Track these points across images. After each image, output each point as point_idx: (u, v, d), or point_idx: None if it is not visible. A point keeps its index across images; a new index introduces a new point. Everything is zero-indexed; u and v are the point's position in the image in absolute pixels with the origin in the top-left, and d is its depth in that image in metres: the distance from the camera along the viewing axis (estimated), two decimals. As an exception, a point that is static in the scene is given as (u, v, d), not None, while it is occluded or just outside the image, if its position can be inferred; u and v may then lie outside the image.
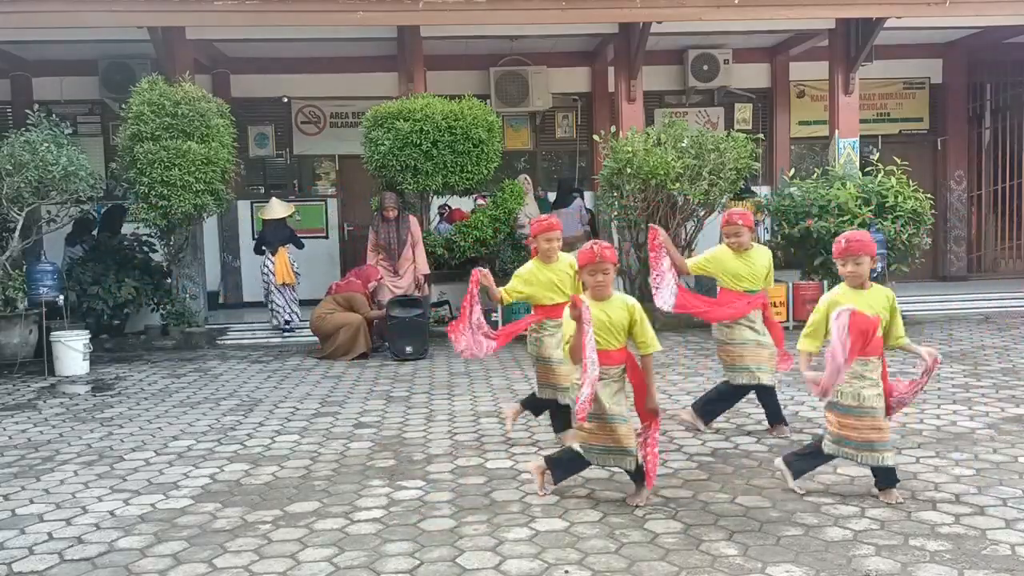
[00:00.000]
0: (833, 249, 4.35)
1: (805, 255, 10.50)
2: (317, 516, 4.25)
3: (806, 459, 4.42)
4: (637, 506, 4.21)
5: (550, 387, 5.28)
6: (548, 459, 4.50)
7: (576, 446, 4.34)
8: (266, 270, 10.03)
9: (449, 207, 11.65)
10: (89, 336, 8.73)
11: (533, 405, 5.57)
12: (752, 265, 5.41)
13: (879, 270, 9.69)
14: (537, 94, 12.55)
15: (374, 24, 10.17)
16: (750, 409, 6.16)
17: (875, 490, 4.28)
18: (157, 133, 9.13)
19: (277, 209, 10.41)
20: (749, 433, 5.56)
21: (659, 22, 10.33)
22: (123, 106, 9.52)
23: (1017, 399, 6.30)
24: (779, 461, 4.50)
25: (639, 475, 4.26)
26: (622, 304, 4.22)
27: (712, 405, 5.62)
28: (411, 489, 4.62)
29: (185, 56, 10.18)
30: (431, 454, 5.30)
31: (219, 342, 10.11)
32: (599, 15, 10.41)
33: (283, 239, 10.18)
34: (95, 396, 7.43)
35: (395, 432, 5.87)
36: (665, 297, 5.40)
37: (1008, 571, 3.39)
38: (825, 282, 10.13)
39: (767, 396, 5.49)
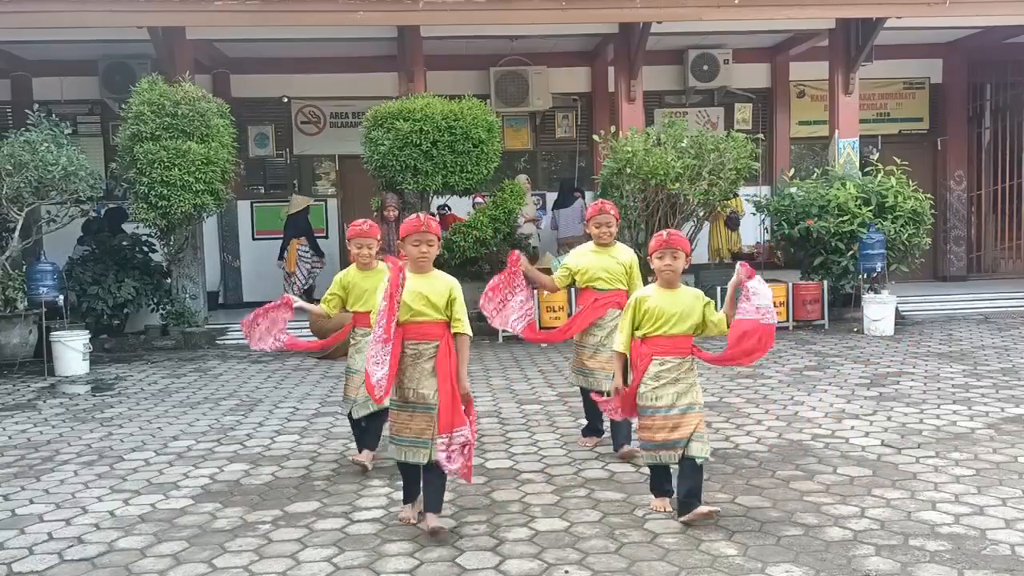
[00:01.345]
0: (654, 243, 4.11)
1: (805, 255, 10.52)
2: (317, 516, 4.25)
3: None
4: (430, 531, 3.85)
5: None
6: None
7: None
8: (281, 263, 10.50)
9: (448, 207, 11.66)
10: (89, 336, 8.74)
11: None
12: (610, 261, 5.22)
13: (879, 269, 9.70)
14: (537, 94, 12.55)
15: (374, 24, 10.17)
16: (750, 409, 6.17)
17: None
18: (157, 133, 9.13)
19: (297, 201, 11.19)
20: (748, 433, 5.56)
21: (659, 22, 10.33)
22: (123, 106, 9.52)
23: (1017, 399, 6.30)
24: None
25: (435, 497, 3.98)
26: (445, 281, 4.00)
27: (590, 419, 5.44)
28: (411, 489, 4.61)
29: (185, 56, 10.18)
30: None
31: (219, 342, 10.11)
32: (599, 15, 10.41)
33: (298, 231, 10.66)
34: (95, 396, 7.43)
35: (395, 432, 5.87)
36: (510, 321, 5.02)
37: (1008, 571, 3.39)
38: (825, 282, 10.14)
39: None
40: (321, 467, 5.09)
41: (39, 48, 11.31)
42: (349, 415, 5.07)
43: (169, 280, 10.18)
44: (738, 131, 10.57)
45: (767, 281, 4.24)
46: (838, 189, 10.09)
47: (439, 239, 4.05)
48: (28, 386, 7.95)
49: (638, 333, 4.12)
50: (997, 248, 13.95)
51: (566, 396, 6.77)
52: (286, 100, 12.77)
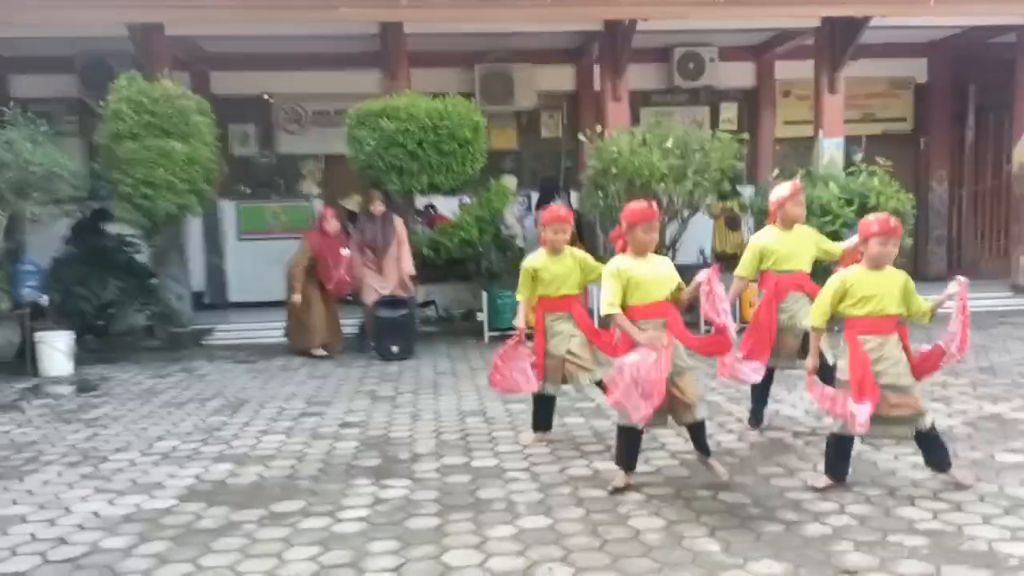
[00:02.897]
0: (875, 229, 4.28)
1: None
2: (302, 515, 4.26)
3: (836, 456, 4.42)
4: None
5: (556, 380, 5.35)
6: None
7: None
8: None
9: (434, 208, 11.66)
10: (74, 337, 8.69)
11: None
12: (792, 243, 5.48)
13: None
14: (522, 92, 12.52)
15: (356, 20, 10.11)
16: (732, 407, 6.21)
17: (932, 470, 4.40)
18: (137, 131, 9.03)
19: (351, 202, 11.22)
20: (731, 431, 5.61)
21: (644, 20, 10.33)
22: (102, 103, 9.42)
23: (995, 397, 6.38)
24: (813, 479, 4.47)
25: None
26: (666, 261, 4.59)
27: None
28: (396, 488, 4.64)
29: (164, 52, 10.05)
30: (417, 453, 5.32)
31: (205, 342, 10.08)
32: (584, 13, 10.42)
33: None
34: (79, 396, 7.40)
35: (381, 431, 5.89)
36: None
37: (986, 567, 3.44)
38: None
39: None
40: (307, 467, 5.10)
41: (15, 44, 11.14)
42: (540, 395, 5.36)
43: (154, 280, 10.13)
44: (723, 131, 10.61)
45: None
46: (821, 189, 10.15)
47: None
48: (12, 387, 7.91)
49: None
50: (977, 248, 14.08)
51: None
52: (267, 98, 12.70)
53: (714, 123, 13.20)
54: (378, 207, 9.18)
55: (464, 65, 12.52)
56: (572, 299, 5.29)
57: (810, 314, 4.50)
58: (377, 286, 9.12)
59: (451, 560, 3.65)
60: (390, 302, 8.96)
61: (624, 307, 4.38)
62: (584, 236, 12.17)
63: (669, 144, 9.82)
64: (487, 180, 10.42)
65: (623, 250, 4.47)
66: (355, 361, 8.83)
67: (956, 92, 13.82)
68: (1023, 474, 4.56)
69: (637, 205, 4.44)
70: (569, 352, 5.22)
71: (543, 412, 5.48)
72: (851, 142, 12.57)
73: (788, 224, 5.49)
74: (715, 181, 10.03)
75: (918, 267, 13.76)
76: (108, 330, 10.10)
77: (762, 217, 10.64)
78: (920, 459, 4.85)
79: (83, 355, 9.06)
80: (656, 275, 4.40)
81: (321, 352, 9.08)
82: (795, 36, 12.06)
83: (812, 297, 5.11)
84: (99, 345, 9.78)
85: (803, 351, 5.24)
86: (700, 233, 11.45)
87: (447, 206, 11.42)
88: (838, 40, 11.12)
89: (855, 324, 4.26)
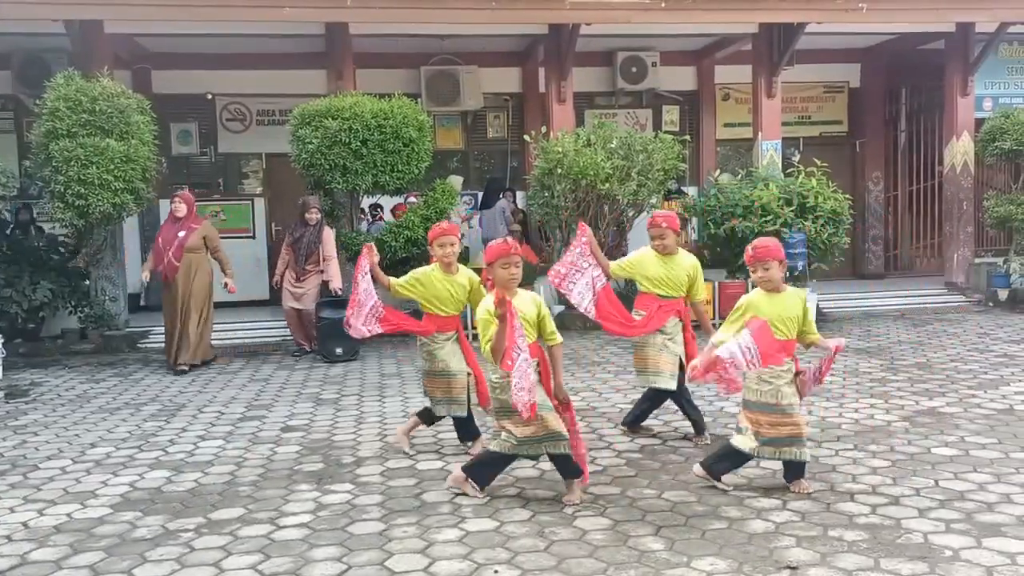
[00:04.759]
0: (745, 258, 4.42)
1: (730, 254, 10.73)
2: (242, 523, 4.16)
3: (722, 462, 4.48)
4: (570, 504, 4.21)
5: (447, 401, 5.15)
6: (467, 468, 4.45)
7: (495, 447, 4.33)
8: None
9: (381, 207, 11.55)
10: (2, 340, 8.38)
11: (429, 418, 5.36)
12: (673, 270, 5.38)
13: (800, 268, 9.96)
14: (468, 93, 12.52)
15: (301, 20, 10.01)
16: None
17: (785, 482, 4.40)
18: (74, 130, 8.79)
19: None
20: (675, 429, 5.65)
21: (588, 24, 10.41)
22: (37, 102, 9.16)
23: (931, 392, 6.56)
24: (697, 467, 4.53)
25: (572, 467, 4.27)
26: (531, 299, 4.30)
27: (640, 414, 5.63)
28: (340, 493, 4.56)
29: (103, 50, 9.84)
30: (361, 457, 5.25)
31: (140, 345, 9.81)
32: (528, 16, 10.44)
33: None
34: (8, 403, 7.13)
35: (324, 435, 5.79)
36: (582, 294, 5.20)
37: (921, 559, 3.51)
38: (750, 280, 10.36)
39: (678, 402, 5.50)
40: (247, 472, 4.99)
41: (-53, 40, 10.80)
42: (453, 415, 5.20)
43: (87, 282, 9.83)
44: (666, 132, 10.74)
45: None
46: (761, 190, 10.33)
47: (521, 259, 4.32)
48: (-65, 394, 7.59)
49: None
50: (913, 247, 14.49)
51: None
52: (210, 97, 12.47)
53: (657, 125, 13.36)
54: (313, 215, 9.06)
55: (410, 66, 12.48)
56: (457, 318, 5.22)
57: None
58: (291, 290, 8.99)
59: (396, 565, 3.60)
60: (334, 303, 8.84)
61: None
62: (530, 236, 12.21)
63: (613, 145, 9.91)
64: (433, 180, 10.36)
65: (491, 289, 4.31)
66: (298, 364, 8.69)
67: (889, 96, 14.24)
68: (958, 468, 4.69)
69: (494, 242, 4.28)
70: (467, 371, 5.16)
71: (462, 428, 5.32)
72: (789, 144, 12.85)
73: (661, 252, 5.41)
74: (659, 181, 10.15)
75: (856, 266, 14.14)
76: (39, 333, 9.79)
77: (705, 217, 10.85)
78: (859, 454, 4.97)
79: (12, 359, 8.75)
80: (522, 315, 4.14)
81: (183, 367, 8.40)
82: (734, 41, 12.29)
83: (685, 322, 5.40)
84: (29, 349, 9.46)
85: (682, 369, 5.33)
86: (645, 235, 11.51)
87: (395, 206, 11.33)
88: (775, 45, 11.37)
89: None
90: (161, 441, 5.75)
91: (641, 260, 5.47)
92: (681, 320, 5.43)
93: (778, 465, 4.76)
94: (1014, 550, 3.57)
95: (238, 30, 10.78)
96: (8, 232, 10.18)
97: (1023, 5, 11.05)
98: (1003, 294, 11.58)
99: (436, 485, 4.62)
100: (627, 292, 8.13)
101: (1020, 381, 6.86)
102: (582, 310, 5.25)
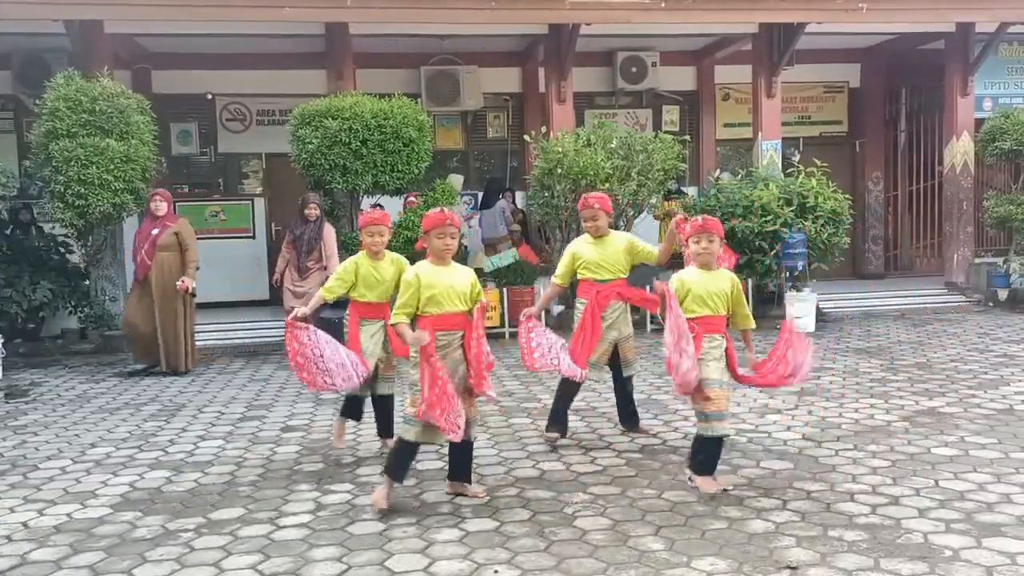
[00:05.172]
0: (691, 226, 4.47)
1: (730, 254, 10.72)
2: (242, 523, 4.16)
3: (698, 456, 4.45)
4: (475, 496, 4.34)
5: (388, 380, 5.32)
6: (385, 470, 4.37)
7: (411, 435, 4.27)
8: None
9: (381, 207, 11.52)
10: (2, 340, 8.38)
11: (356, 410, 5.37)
12: (607, 252, 5.31)
13: (800, 268, 9.97)
14: (468, 93, 12.53)
15: (301, 20, 10.01)
16: (678, 406, 6.27)
17: (687, 474, 4.48)
18: (74, 130, 8.79)
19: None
20: (676, 429, 5.65)
21: (587, 24, 10.42)
22: (37, 102, 9.16)
23: (930, 392, 6.56)
24: (687, 473, 4.51)
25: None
26: (467, 273, 4.37)
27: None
28: (339, 493, 4.56)
29: (104, 50, 9.84)
30: (360, 457, 5.25)
31: (141, 345, 9.80)
32: (528, 16, 10.45)
33: None
34: (8, 403, 7.13)
35: (324, 435, 5.79)
36: (558, 356, 5.01)
37: (921, 559, 3.51)
38: (750, 280, 10.37)
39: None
40: (246, 472, 4.99)
41: (-53, 40, 10.80)
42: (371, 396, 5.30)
43: (87, 282, 9.83)
44: (666, 132, 10.74)
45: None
46: (761, 190, 10.33)
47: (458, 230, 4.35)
48: (-65, 394, 7.60)
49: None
50: (913, 247, 14.49)
51: (498, 395, 6.77)
52: (210, 97, 12.47)
53: (657, 125, 13.37)
54: (313, 212, 9.06)
55: (410, 66, 12.48)
56: (384, 306, 5.19)
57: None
58: (293, 289, 8.97)
59: (395, 565, 3.60)
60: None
61: (417, 316, 4.25)
62: (530, 236, 12.21)
63: (613, 145, 9.91)
64: (433, 180, 10.37)
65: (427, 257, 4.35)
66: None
67: (889, 96, 14.25)
68: (958, 468, 4.69)
69: (432, 211, 4.32)
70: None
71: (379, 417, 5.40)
72: (789, 144, 12.85)
73: (594, 233, 5.37)
74: (659, 181, 10.15)
75: (856, 266, 14.14)
76: (39, 333, 9.79)
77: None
78: (859, 454, 4.97)
79: (12, 360, 8.75)
80: (453, 285, 4.22)
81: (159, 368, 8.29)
82: (734, 41, 12.29)
83: (631, 303, 5.37)
84: (29, 349, 9.46)
85: (615, 358, 5.38)
86: (645, 234, 11.51)
87: (392, 207, 11.29)
88: (775, 45, 11.37)
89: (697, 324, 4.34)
90: (161, 441, 5.75)
91: (575, 249, 5.41)
92: (626, 304, 5.37)
93: (779, 464, 4.78)
94: (1014, 550, 3.57)
95: (238, 30, 10.78)
96: (8, 232, 10.18)
97: (1023, 5, 11.06)
98: (1003, 294, 11.59)
99: (436, 485, 4.62)
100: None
101: (1020, 381, 6.86)
102: (565, 368, 5.08)
